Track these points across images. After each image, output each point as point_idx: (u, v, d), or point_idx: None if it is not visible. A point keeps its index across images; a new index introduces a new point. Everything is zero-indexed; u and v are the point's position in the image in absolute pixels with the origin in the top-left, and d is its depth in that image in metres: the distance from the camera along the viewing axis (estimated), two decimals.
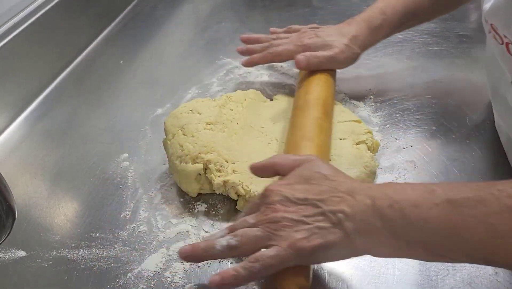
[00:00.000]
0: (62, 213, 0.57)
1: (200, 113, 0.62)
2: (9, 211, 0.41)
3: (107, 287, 0.48)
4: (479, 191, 0.36)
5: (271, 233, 0.41)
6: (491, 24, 0.53)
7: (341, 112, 0.64)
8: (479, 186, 0.37)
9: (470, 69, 0.78)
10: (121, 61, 0.87)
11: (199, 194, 0.58)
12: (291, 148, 0.54)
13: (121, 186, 0.60)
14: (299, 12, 1.01)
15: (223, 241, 0.43)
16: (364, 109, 0.70)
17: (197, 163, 0.56)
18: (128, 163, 0.64)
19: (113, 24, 0.99)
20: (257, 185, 0.54)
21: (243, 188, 0.54)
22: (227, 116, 0.64)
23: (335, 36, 0.68)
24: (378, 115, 0.69)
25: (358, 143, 0.59)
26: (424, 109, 0.69)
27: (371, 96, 0.73)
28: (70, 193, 0.60)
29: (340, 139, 0.60)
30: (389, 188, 0.40)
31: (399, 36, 0.88)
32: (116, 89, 0.80)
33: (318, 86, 0.63)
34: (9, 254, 0.52)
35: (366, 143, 0.59)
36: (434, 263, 0.48)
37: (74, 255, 0.52)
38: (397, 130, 0.66)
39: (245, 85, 0.78)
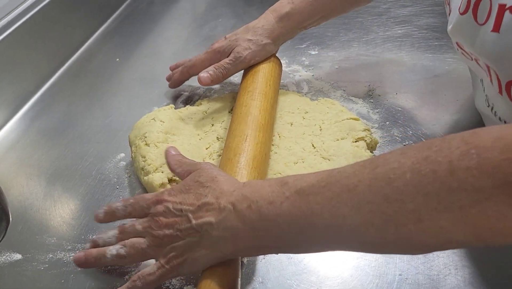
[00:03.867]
0: (58, 214, 0.56)
1: (163, 122, 0.62)
2: (3, 214, 0.40)
3: None
4: (323, 176, 0.37)
5: (155, 247, 0.43)
6: (457, 43, 0.53)
7: (339, 112, 0.64)
8: (327, 171, 0.38)
9: None
10: (118, 59, 0.86)
11: None
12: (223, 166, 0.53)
13: (118, 187, 0.60)
14: None
15: (113, 250, 0.45)
16: (363, 106, 0.69)
17: (159, 172, 0.56)
18: (125, 163, 0.63)
19: (109, 21, 0.98)
20: None
21: None
22: (205, 125, 0.64)
23: (240, 34, 0.68)
24: (377, 112, 0.68)
25: (356, 140, 0.59)
26: (424, 105, 0.69)
27: (370, 93, 0.72)
28: (66, 194, 0.59)
29: (338, 140, 0.59)
30: (248, 188, 0.41)
31: (398, 31, 0.87)
32: (112, 88, 0.79)
33: (252, 98, 0.61)
34: (4, 257, 0.51)
35: (365, 140, 0.58)
36: (436, 262, 0.48)
37: (71, 257, 0.51)
38: (397, 127, 0.65)
39: None
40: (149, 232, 0.44)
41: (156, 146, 0.59)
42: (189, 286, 0.47)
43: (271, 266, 0.49)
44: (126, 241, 0.45)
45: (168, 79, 0.75)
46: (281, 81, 0.76)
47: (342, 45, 0.84)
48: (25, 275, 0.50)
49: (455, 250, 0.49)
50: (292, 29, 0.69)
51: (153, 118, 0.63)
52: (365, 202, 0.33)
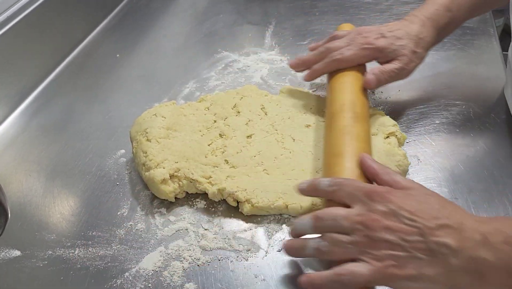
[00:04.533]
0: (57, 211, 0.56)
1: (164, 117, 0.62)
2: (1, 210, 0.40)
3: (104, 287, 0.47)
4: None
5: (364, 249, 0.40)
6: None
7: None
8: None
9: (474, 61, 0.76)
10: (118, 55, 0.86)
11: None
12: (325, 169, 0.51)
13: (118, 183, 0.59)
14: (297, 4, 0.99)
15: (314, 244, 0.43)
16: None
17: (160, 168, 0.55)
18: (125, 159, 0.62)
19: (109, 17, 0.98)
20: (258, 189, 0.53)
21: (241, 194, 0.53)
22: (205, 121, 0.63)
23: (403, 40, 0.60)
24: (380, 109, 0.67)
25: (388, 136, 0.58)
26: (428, 102, 0.68)
27: (374, 91, 0.71)
28: (66, 191, 0.59)
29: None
30: (502, 223, 0.37)
31: None
32: (112, 84, 0.79)
33: (343, 90, 0.58)
34: (3, 253, 0.51)
35: (396, 136, 0.58)
36: None
37: (70, 254, 0.51)
38: (401, 125, 0.64)
39: (244, 79, 0.76)
40: (361, 229, 0.40)
41: (157, 141, 0.58)
42: (190, 283, 0.47)
43: (273, 263, 0.48)
44: (327, 235, 0.42)
45: (297, 66, 0.67)
46: (283, 77, 0.76)
47: None
48: (24, 271, 0.49)
49: None
50: (444, 37, 0.65)
51: (155, 114, 0.62)
52: None
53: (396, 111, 0.67)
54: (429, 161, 0.59)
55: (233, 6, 1.01)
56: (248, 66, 0.79)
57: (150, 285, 0.47)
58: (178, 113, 0.63)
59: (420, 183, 0.55)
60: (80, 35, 0.90)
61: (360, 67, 0.62)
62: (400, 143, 0.58)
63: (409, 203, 0.40)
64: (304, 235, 0.45)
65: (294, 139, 0.59)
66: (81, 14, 0.90)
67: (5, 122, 0.71)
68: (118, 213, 0.55)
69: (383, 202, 0.40)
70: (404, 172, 0.55)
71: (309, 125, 0.61)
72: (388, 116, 0.61)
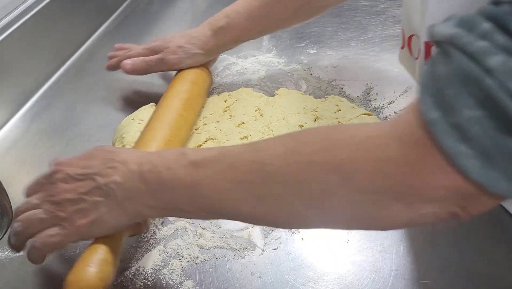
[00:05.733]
0: None
1: (142, 120, 0.62)
2: (4, 211, 0.41)
3: None
4: (216, 152, 0.41)
5: (54, 214, 0.43)
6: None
7: (350, 108, 0.64)
8: (220, 148, 0.42)
9: None
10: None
11: None
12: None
13: None
14: None
15: (11, 232, 0.45)
16: (360, 105, 0.70)
17: None
18: None
19: (109, 21, 0.99)
20: None
21: None
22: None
23: (175, 38, 0.71)
24: (374, 110, 0.69)
25: None
26: None
27: (368, 91, 0.72)
28: None
29: None
30: (154, 155, 0.44)
31: (396, 30, 0.88)
32: (113, 86, 0.80)
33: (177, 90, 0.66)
34: (6, 253, 0.52)
35: None
36: (432, 257, 0.49)
37: (71, 253, 0.52)
38: None
39: (242, 82, 0.78)
40: (47, 200, 0.44)
41: (130, 146, 0.59)
42: (189, 281, 0.48)
43: (269, 261, 0.50)
44: (21, 215, 0.45)
45: (109, 57, 0.77)
46: (280, 80, 0.77)
47: (340, 44, 0.85)
48: (26, 270, 0.50)
49: (449, 247, 0.50)
50: (228, 42, 0.72)
51: (133, 119, 0.63)
52: (243, 180, 0.38)
53: (390, 112, 0.68)
54: None
55: None
56: (246, 68, 0.81)
57: (149, 283, 0.48)
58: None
59: None
60: (80, 39, 0.91)
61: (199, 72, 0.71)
62: None
63: (82, 161, 0.45)
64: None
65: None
66: (81, 18, 0.91)
67: (7, 125, 0.72)
68: None
69: (59, 171, 0.45)
70: None
71: (302, 125, 0.62)
72: (375, 117, 0.62)
